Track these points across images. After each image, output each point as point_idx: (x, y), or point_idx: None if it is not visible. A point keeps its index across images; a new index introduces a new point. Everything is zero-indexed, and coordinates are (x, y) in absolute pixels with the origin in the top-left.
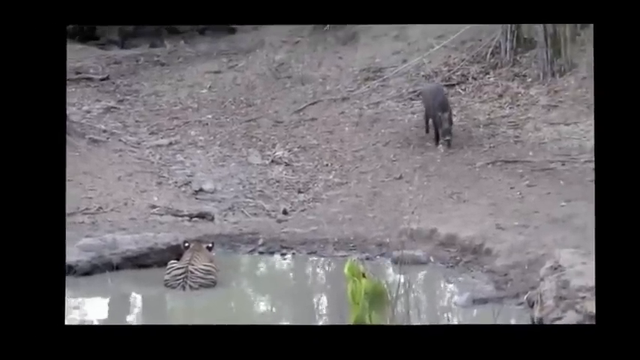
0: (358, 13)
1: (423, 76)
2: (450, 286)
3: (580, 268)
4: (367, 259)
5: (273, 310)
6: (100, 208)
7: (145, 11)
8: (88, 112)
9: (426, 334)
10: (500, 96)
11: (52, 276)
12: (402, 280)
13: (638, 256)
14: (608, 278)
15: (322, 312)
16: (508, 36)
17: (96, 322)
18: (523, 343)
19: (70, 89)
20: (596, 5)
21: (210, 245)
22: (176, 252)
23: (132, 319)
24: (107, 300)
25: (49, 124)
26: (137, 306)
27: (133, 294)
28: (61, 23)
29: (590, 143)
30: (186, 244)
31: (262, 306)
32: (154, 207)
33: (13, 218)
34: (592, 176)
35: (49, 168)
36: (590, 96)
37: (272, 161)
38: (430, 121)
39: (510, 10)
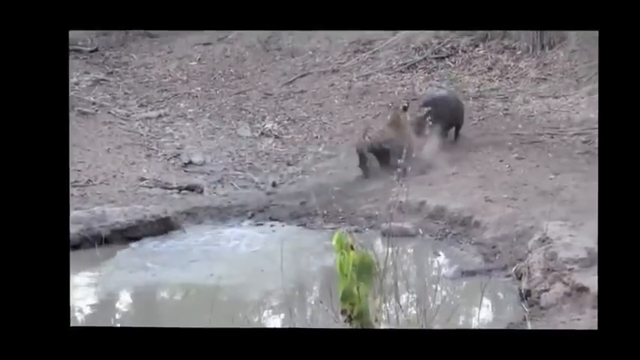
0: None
1: (413, 48)
2: (439, 258)
3: (567, 240)
4: (356, 231)
5: (262, 281)
6: (89, 180)
7: (151, 15)
8: (77, 84)
9: (423, 338)
10: (490, 69)
11: (56, 276)
12: (391, 252)
13: None
14: (611, 283)
15: (310, 284)
16: None
17: (84, 295)
18: (523, 348)
19: None
20: (601, 12)
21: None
22: (165, 224)
23: (120, 293)
24: (96, 273)
25: (51, 107)
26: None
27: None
28: (64, 28)
29: (579, 116)
30: None
31: (250, 278)
32: (143, 179)
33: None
34: (581, 149)
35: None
36: (579, 68)
37: (261, 134)
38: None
39: (514, 16)
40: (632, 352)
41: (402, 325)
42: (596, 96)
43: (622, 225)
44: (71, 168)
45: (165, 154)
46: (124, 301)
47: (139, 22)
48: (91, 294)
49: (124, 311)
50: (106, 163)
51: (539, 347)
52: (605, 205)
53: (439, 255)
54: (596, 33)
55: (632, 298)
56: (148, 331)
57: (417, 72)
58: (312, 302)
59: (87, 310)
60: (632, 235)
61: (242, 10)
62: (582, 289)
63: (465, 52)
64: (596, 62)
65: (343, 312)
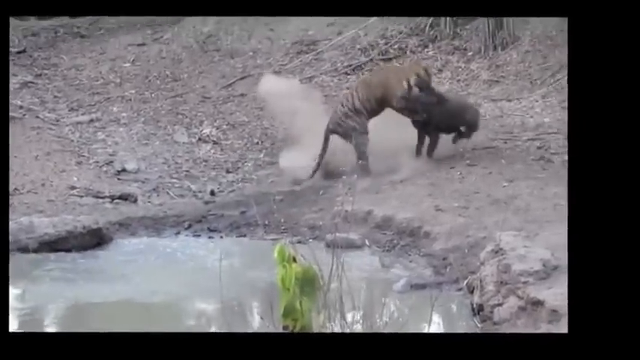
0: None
1: (358, 49)
2: (387, 270)
3: (522, 251)
4: (299, 242)
5: (198, 296)
6: (16, 189)
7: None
8: None
9: (400, 342)
10: (440, 70)
11: None
12: (335, 265)
13: (610, 269)
14: (581, 290)
15: (251, 299)
16: None
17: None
18: (495, 351)
19: None
20: None
21: None
22: (96, 236)
23: (46, 310)
24: (20, 289)
25: None
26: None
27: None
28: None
29: (533, 120)
30: None
31: (185, 291)
32: (73, 188)
33: None
34: (535, 155)
35: None
36: (534, 70)
37: (199, 139)
38: None
39: (482, 3)
40: (601, 355)
41: None
42: (551, 99)
43: (591, 227)
44: None
45: (97, 161)
46: (49, 318)
47: (83, 9)
48: (13, 312)
49: (48, 329)
50: (34, 171)
51: (510, 350)
52: (575, 208)
53: (387, 267)
54: (551, 32)
55: (601, 302)
56: (87, 336)
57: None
58: (253, 318)
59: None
60: (600, 238)
61: None
62: (537, 303)
63: (413, 52)
64: (550, 64)
65: (285, 328)
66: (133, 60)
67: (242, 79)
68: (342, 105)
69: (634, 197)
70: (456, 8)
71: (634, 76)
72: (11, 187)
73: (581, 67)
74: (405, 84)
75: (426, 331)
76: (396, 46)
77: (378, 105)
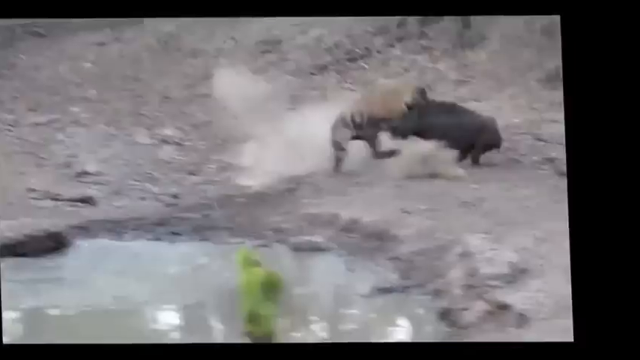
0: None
1: (323, 49)
2: (352, 274)
3: (490, 254)
4: (263, 246)
5: (159, 302)
6: None
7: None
8: None
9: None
10: (407, 70)
11: None
12: (300, 269)
13: (615, 273)
14: (585, 295)
15: (213, 304)
16: None
17: None
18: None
19: None
20: None
21: None
22: (56, 239)
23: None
24: None
25: None
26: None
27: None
28: None
29: (502, 121)
30: None
31: (146, 297)
32: (32, 190)
33: None
34: (503, 156)
35: None
36: (502, 70)
37: (161, 140)
38: None
39: (474, 2)
40: None
41: None
42: (520, 100)
43: (594, 232)
44: None
45: (56, 163)
46: (7, 325)
47: (43, 11)
48: None
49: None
50: None
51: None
52: (577, 213)
53: (353, 271)
54: (519, 32)
55: (605, 310)
56: (80, 347)
57: (328, 74)
58: (215, 324)
59: None
60: (604, 241)
61: None
62: (504, 307)
63: (380, 52)
64: (518, 64)
65: (248, 334)
66: (93, 60)
67: (205, 79)
68: (339, 116)
69: (633, 199)
70: (446, 5)
71: (628, 72)
72: None
73: (574, 64)
74: (402, 104)
75: (392, 335)
76: (362, 46)
77: (367, 120)
